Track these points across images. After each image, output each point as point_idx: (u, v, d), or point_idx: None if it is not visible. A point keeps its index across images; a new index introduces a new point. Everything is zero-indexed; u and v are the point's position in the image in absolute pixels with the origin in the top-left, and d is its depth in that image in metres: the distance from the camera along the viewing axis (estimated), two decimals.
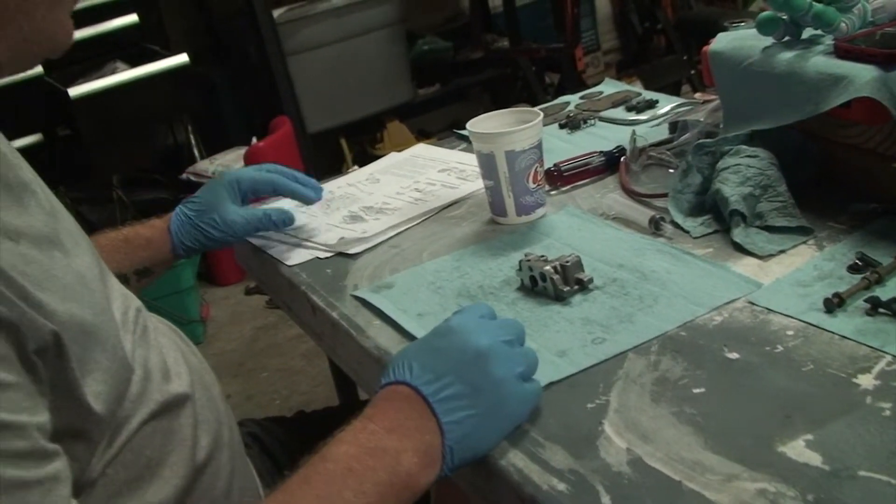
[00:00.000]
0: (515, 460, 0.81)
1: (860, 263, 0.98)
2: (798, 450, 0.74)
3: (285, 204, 1.41)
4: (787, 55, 1.12)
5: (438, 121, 4.61)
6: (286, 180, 1.32)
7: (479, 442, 0.82)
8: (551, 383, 0.88)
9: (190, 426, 0.90)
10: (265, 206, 1.34)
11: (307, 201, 1.36)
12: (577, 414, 0.84)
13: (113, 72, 3.43)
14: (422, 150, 1.65)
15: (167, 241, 1.25)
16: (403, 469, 0.78)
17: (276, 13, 3.73)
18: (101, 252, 1.07)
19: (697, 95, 1.72)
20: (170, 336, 0.98)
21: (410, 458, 0.79)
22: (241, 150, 3.65)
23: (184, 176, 3.71)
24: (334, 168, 4.26)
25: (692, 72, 4.14)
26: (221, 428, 0.95)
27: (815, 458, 0.72)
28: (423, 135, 4.44)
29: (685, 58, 4.27)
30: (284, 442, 1.21)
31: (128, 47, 3.56)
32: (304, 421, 1.32)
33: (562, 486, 0.76)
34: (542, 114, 1.24)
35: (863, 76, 1.02)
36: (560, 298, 1.03)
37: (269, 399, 2.82)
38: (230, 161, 3.65)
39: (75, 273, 0.79)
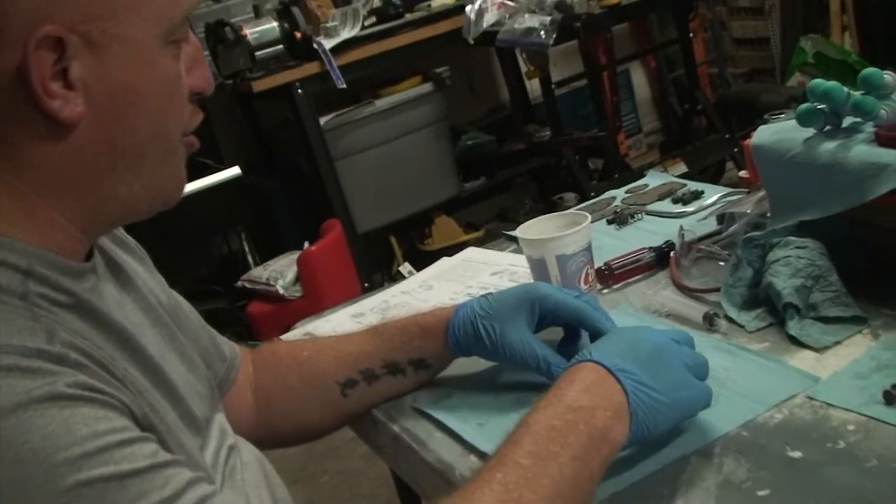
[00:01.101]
0: None
1: None
2: None
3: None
4: (829, 146, 1.13)
5: (485, 212, 4.65)
6: (594, 312, 1.08)
7: (657, 418, 0.88)
8: (615, 493, 0.88)
9: None
10: (545, 347, 1.07)
11: None
12: None
13: None
14: (473, 253, 1.67)
15: (443, 332, 1.10)
16: (599, 423, 0.84)
17: (323, 120, 3.82)
18: (379, 341, 1.13)
19: (742, 173, 1.71)
20: (257, 470, 0.98)
21: (604, 413, 0.85)
22: (295, 255, 3.71)
23: (239, 283, 3.77)
24: (385, 265, 4.31)
25: (735, 150, 4.15)
26: None
27: None
28: (470, 227, 4.48)
29: (727, 136, 4.28)
30: None
31: None
32: None
33: None
34: (589, 216, 1.25)
35: None
36: None
37: None
38: (283, 266, 3.70)
39: (168, 425, 0.82)
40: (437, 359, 1.14)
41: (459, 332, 1.09)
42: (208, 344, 1.09)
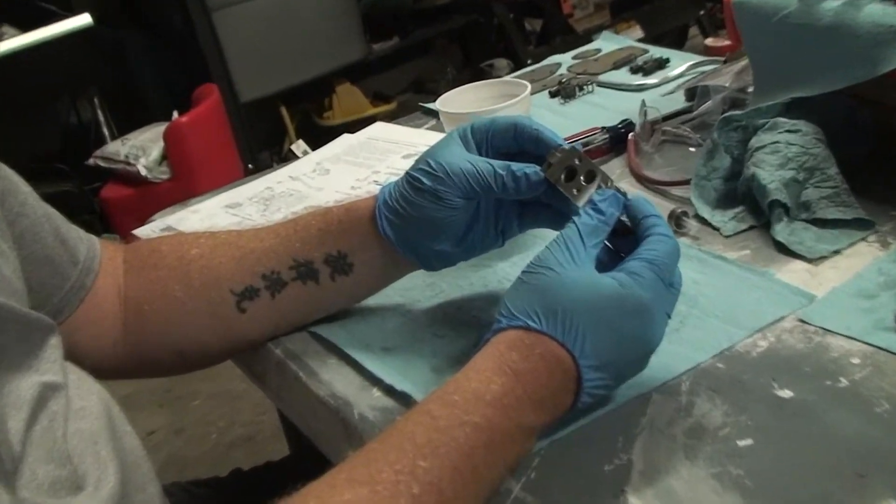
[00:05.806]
0: None
1: None
2: None
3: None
4: (834, 3, 1.10)
5: (398, 81, 4.61)
6: (530, 122, 0.94)
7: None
8: (554, 440, 0.84)
9: None
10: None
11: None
12: (593, 479, 0.79)
13: None
14: (380, 130, 1.61)
15: (370, 208, 0.98)
16: (528, 448, 0.82)
17: None
18: (292, 232, 1.02)
19: (710, 41, 1.70)
20: (99, 415, 0.88)
21: (537, 432, 0.82)
22: (161, 127, 3.65)
23: (90, 161, 3.69)
24: (274, 142, 4.24)
25: (701, 12, 4.14)
26: None
27: None
28: (379, 98, 4.45)
29: None
30: None
31: (17, 7, 3.51)
32: (242, 482, 1.26)
33: None
34: (528, 86, 1.22)
35: None
36: None
37: (204, 432, 2.79)
38: (146, 141, 3.63)
39: None
40: (360, 254, 1.00)
41: (391, 197, 0.96)
42: (53, 244, 0.99)
